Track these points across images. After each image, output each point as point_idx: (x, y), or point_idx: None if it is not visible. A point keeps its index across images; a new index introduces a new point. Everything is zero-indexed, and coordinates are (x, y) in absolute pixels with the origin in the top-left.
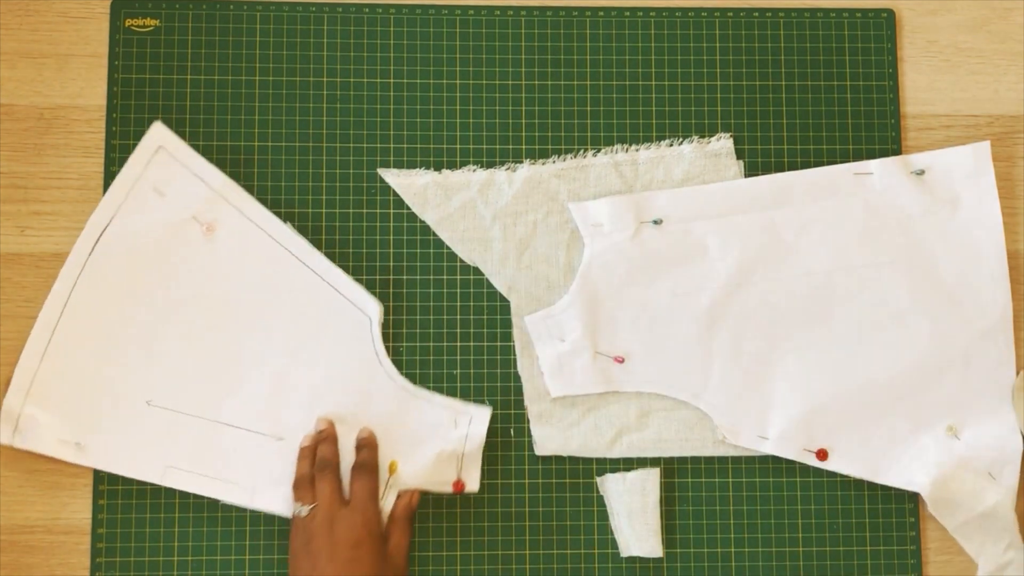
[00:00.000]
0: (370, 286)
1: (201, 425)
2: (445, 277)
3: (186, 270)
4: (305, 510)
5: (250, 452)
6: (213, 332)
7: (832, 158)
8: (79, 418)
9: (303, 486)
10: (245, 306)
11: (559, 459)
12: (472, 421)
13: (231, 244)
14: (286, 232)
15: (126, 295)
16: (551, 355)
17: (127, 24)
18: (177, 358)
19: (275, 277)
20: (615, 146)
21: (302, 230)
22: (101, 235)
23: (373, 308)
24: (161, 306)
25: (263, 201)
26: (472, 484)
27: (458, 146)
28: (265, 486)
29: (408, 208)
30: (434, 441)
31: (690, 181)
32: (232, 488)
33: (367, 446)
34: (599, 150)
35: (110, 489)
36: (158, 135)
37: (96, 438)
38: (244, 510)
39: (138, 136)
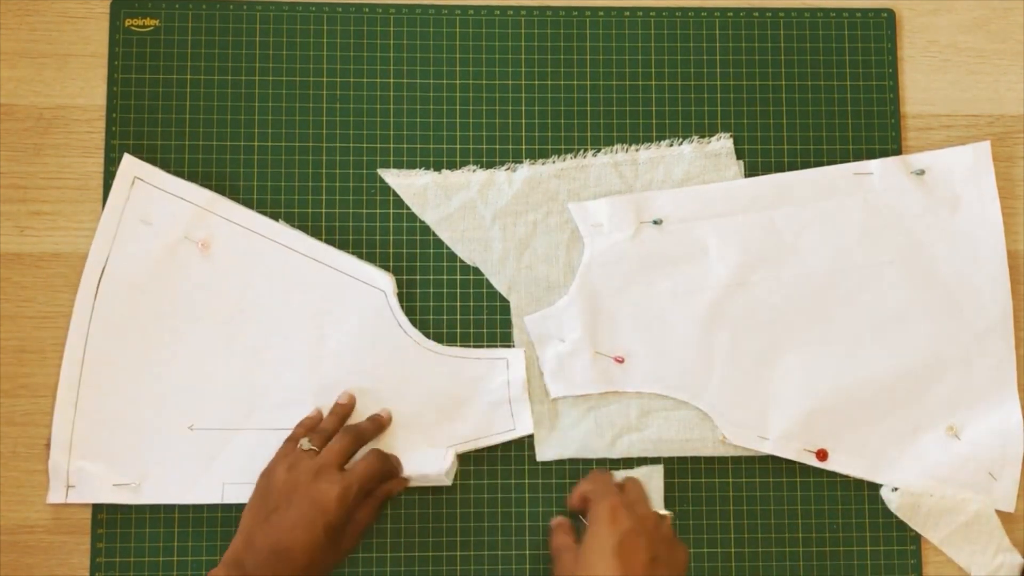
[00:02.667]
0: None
1: (247, 436)
2: (445, 277)
3: (192, 291)
4: (308, 445)
5: None
6: (234, 344)
7: (832, 158)
8: (127, 460)
9: (317, 429)
10: (259, 311)
11: (559, 459)
12: (510, 366)
13: (229, 255)
14: (279, 229)
15: (140, 329)
16: (551, 355)
17: (127, 24)
18: (206, 378)
19: (281, 276)
20: (615, 146)
21: (302, 230)
22: (101, 277)
23: (385, 281)
24: (177, 332)
25: (263, 201)
26: (524, 427)
27: (458, 146)
28: None
29: (408, 208)
30: (480, 395)
31: (690, 181)
32: None
33: (381, 427)
34: (599, 150)
35: None
36: (130, 167)
37: (149, 475)
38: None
39: (138, 136)
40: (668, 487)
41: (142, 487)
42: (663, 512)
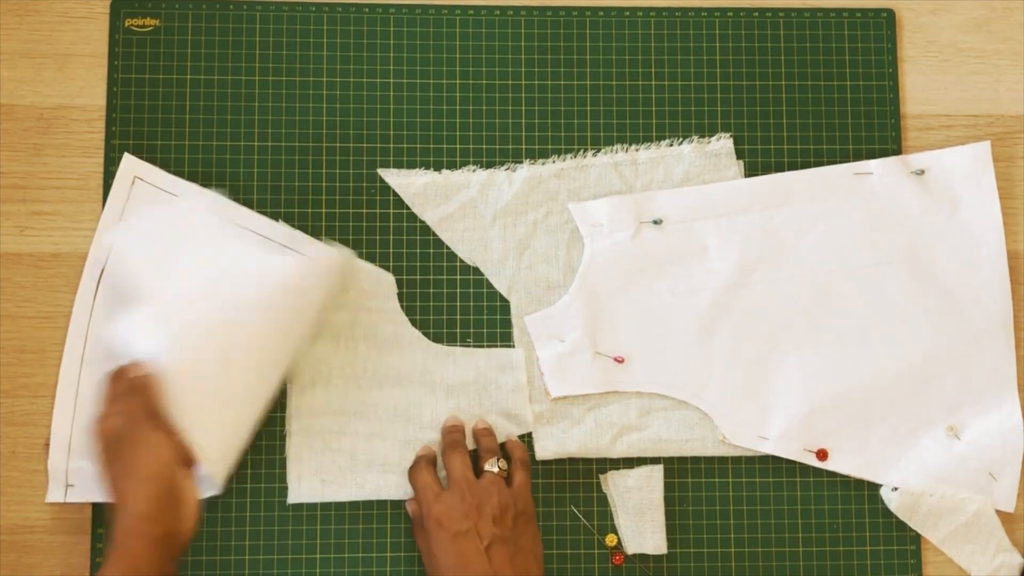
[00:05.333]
0: None
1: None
2: (445, 277)
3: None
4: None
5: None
6: (239, 351)
7: (832, 158)
8: None
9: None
10: (270, 314)
11: (559, 459)
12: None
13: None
14: (281, 229)
15: None
16: (551, 355)
17: (127, 24)
18: (203, 382)
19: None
20: (615, 146)
21: (302, 230)
22: (101, 277)
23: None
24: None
25: (263, 201)
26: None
27: (458, 146)
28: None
29: (408, 208)
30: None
31: (690, 181)
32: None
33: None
34: (599, 150)
35: None
36: (130, 166)
37: None
38: (244, 510)
39: (138, 136)
40: (668, 487)
41: None
42: (492, 469)
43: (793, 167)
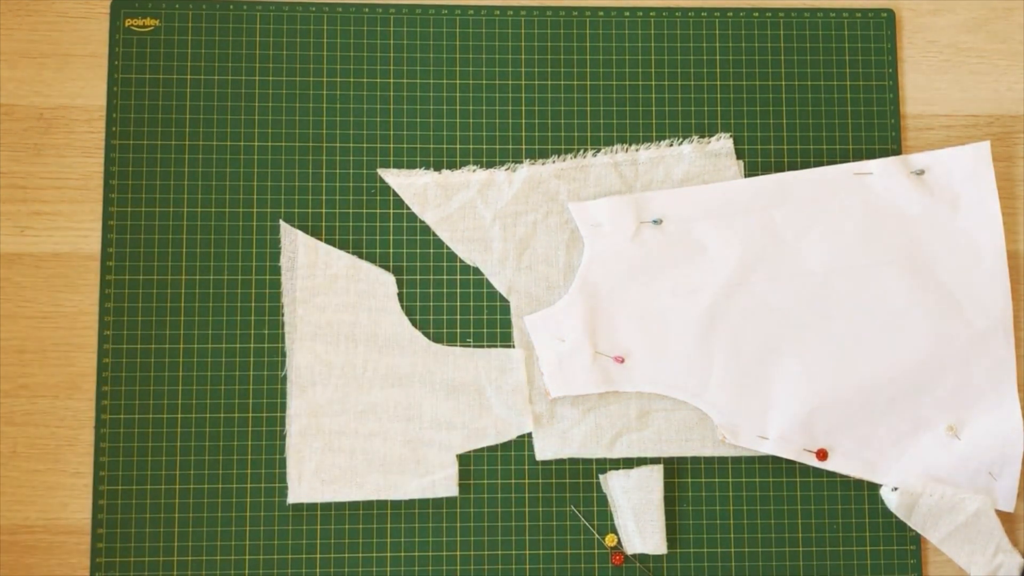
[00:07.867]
0: None
1: None
2: (445, 277)
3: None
4: None
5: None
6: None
7: (832, 158)
8: None
9: None
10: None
11: (559, 459)
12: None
13: None
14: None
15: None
16: (551, 355)
17: (127, 24)
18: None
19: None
20: (615, 146)
21: (302, 230)
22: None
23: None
24: None
25: (263, 201)
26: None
27: (458, 146)
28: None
29: (408, 208)
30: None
31: (690, 181)
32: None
33: None
34: (599, 150)
35: (110, 489)
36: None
37: None
38: (244, 510)
39: (138, 136)
40: (668, 487)
41: None
42: None
43: (793, 167)
